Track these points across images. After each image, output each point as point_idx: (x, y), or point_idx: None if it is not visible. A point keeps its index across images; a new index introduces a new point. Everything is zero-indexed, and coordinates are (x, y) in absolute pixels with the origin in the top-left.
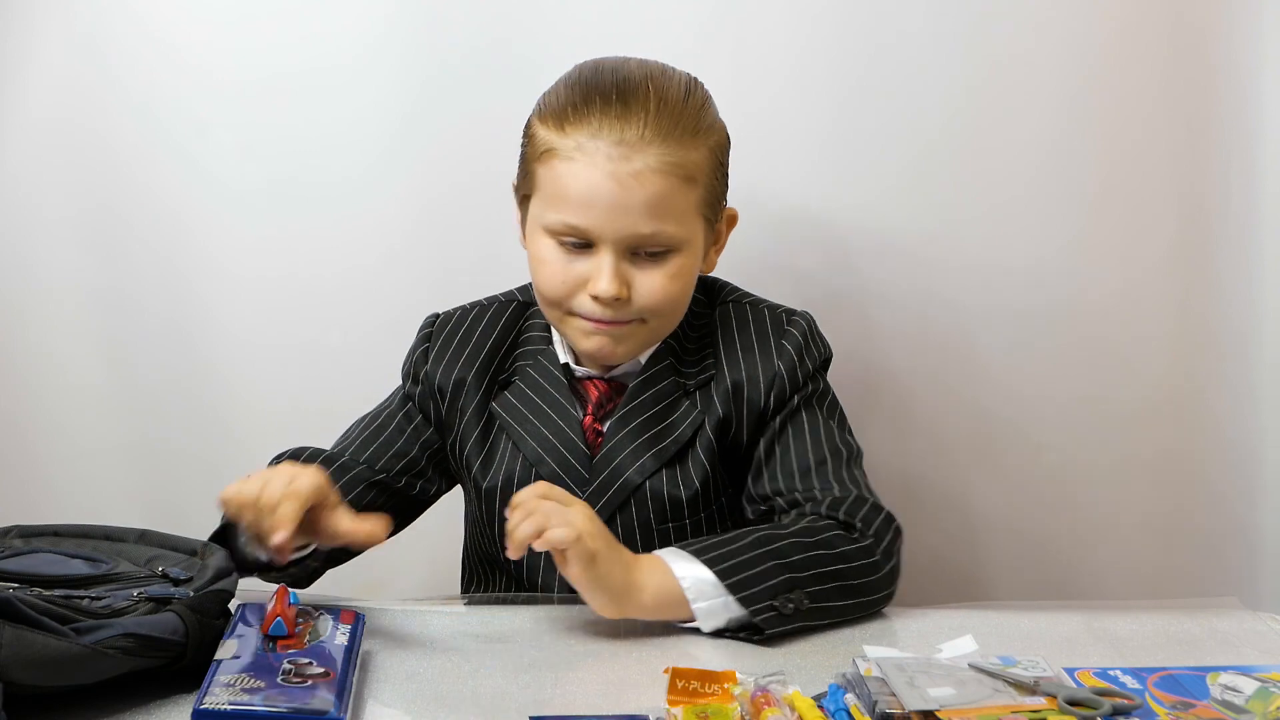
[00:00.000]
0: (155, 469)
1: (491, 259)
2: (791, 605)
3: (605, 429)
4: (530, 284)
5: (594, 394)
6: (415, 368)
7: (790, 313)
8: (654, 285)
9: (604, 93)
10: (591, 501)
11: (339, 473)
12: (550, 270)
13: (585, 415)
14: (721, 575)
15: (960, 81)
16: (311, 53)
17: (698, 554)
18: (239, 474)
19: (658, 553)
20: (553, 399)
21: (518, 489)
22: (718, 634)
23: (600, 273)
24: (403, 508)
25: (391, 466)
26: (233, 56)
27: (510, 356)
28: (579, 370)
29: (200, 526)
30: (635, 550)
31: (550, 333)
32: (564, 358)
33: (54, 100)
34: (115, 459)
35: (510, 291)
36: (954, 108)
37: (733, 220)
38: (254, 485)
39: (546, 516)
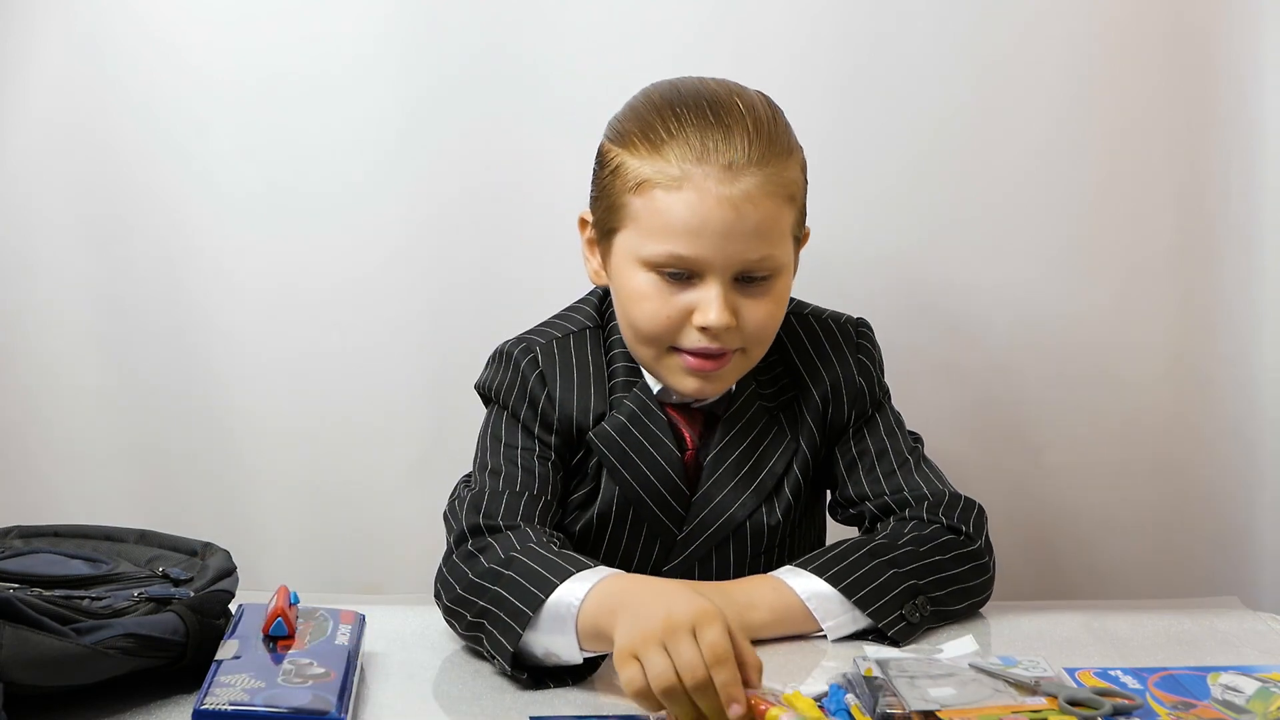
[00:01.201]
0: (155, 470)
1: (492, 262)
2: (918, 614)
3: (704, 464)
4: (585, 300)
5: (689, 425)
6: (545, 416)
7: (853, 322)
8: (760, 313)
9: (697, 113)
10: (690, 539)
11: (552, 521)
12: (652, 306)
13: (687, 451)
14: (846, 591)
15: (960, 81)
16: (313, 54)
17: (817, 571)
18: (239, 475)
19: (773, 573)
20: (653, 435)
21: (613, 527)
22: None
23: (710, 303)
24: None
25: (559, 500)
26: (233, 57)
27: (605, 389)
28: (671, 397)
29: (200, 527)
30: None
31: (635, 361)
32: (657, 385)
33: (54, 100)
34: (115, 460)
35: (576, 309)
36: (954, 107)
37: (805, 239)
38: (664, 660)
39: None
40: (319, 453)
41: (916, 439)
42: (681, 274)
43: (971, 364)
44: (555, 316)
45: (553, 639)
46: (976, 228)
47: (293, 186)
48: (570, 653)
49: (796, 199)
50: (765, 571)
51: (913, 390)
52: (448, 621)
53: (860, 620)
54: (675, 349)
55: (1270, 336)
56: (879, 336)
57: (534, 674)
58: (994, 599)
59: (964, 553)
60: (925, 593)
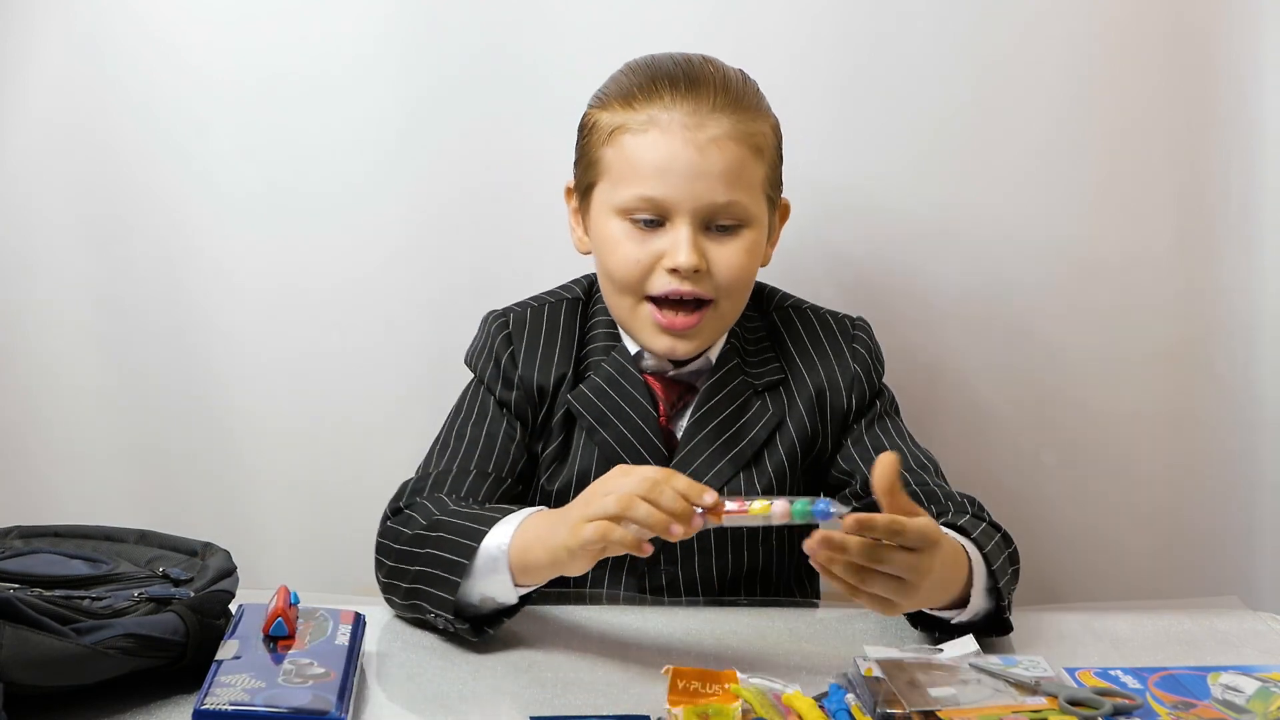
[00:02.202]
0: (155, 470)
1: (492, 262)
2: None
3: (679, 431)
4: (577, 280)
5: (663, 393)
6: (506, 372)
7: (849, 318)
8: (730, 259)
9: (670, 73)
10: None
11: (503, 496)
12: (623, 251)
13: (661, 417)
14: (987, 561)
15: (960, 81)
16: (313, 54)
17: (988, 553)
18: (239, 475)
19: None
20: (630, 396)
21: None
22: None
23: (678, 245)
24: None
25: (514, 473)
26: (233, 57)
27: (582, 353)
28: (647, 363)
29: (200, 527)
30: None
31: (616, 328)
32: (635, 348)
33: (54, 100)
34: (115, 460)
35: (566, 287)
36: (955, 105)
37: (785, 213)
38: (610, 497)
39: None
40: (319, 453)
41: (930, 456)
42: (653, 220)
43: (970, 364)
44: (547, 291)
45: (488, 582)
46: (974, 230)
47: (293, 186)
48: (506, 593)
49: (765, 153)
50: (749, 543)
51: (912, 390)
52: (386, 599)
53: (981, 605)
54: (649, 299)
55: (1270, 336)
56: (878, 335)
57: (474, 623)
58: None
59: (1013, 552)
60: (1009, 589)
